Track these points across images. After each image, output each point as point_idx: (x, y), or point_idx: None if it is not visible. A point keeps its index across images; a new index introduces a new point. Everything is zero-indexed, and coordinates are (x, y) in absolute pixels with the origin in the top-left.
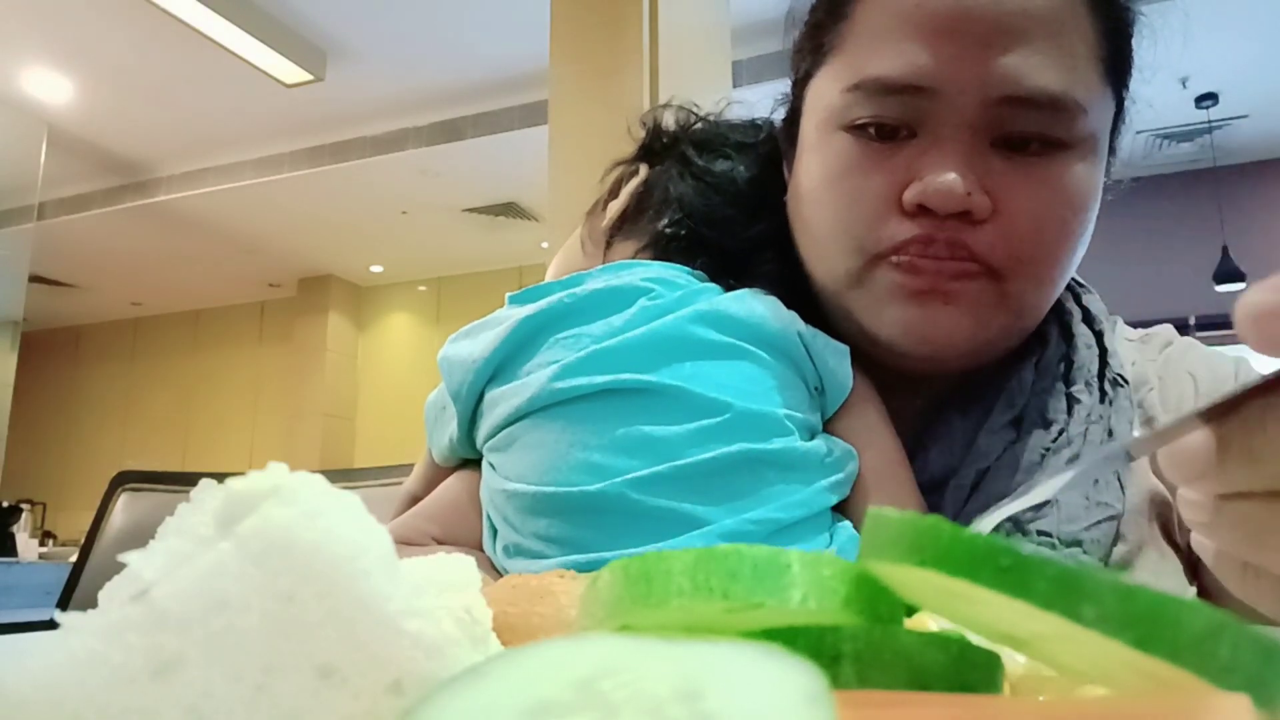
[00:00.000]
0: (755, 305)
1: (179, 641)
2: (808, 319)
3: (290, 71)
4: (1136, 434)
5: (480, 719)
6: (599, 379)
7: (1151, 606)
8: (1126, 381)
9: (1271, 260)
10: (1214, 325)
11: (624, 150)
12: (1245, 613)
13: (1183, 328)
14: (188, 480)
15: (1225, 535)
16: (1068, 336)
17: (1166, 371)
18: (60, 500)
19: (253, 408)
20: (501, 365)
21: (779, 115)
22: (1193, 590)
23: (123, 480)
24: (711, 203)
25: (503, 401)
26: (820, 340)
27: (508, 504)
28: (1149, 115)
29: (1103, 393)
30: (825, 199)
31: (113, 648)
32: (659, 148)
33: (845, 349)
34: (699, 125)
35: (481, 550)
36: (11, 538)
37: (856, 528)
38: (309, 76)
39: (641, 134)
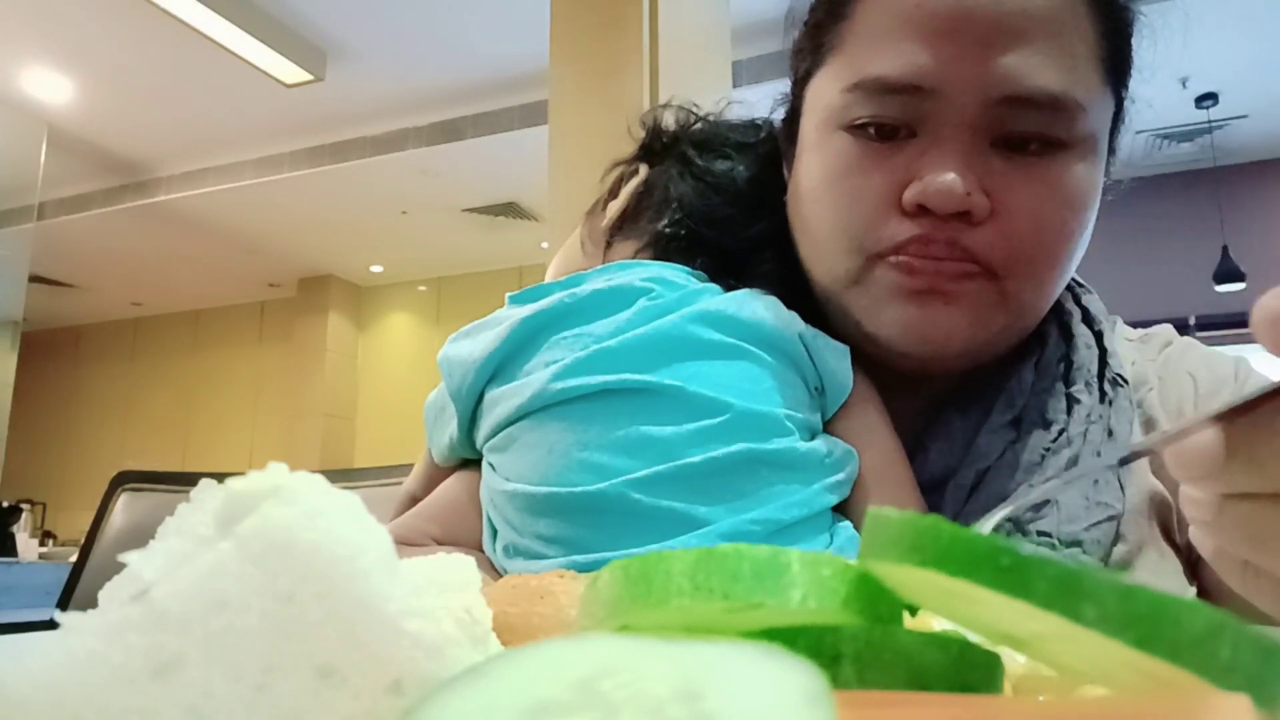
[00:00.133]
0: (755, 305)
1: (179, 641)
2: (808, 319)
3: (290, 71)
4: (1136, 435)
5: (480, 719)
6: (599, 379)
7: (1152, 606)
8: (1126, 381)
9: (1271, 260)
10: (1214, 325)
11: (624, 150)
12: (1245, 612)
13: (1183, 328)
14: (188, 480)
15: (1227, 534)
16: (1067, 336)
17: (1166, 371)
18: (60, 500)
19: (253, 408)
20: (501, 365)
21: (779, 115)
22: (1193, 590)
23: (123, 480)
24: (711, 203)
25: (503, 401)
26: (820, 340)
27: (508, 504)
28: (1149, 115)
29: (1102, 393)
30: (825, 199)
31: (113, 648)
32: (659, 148)
33: (845, 349)
34: (699, 125)
35: (481, 550)
36: (11, 538)
37: (856, 528)
38: (309, 76)
39: (641, 134)
